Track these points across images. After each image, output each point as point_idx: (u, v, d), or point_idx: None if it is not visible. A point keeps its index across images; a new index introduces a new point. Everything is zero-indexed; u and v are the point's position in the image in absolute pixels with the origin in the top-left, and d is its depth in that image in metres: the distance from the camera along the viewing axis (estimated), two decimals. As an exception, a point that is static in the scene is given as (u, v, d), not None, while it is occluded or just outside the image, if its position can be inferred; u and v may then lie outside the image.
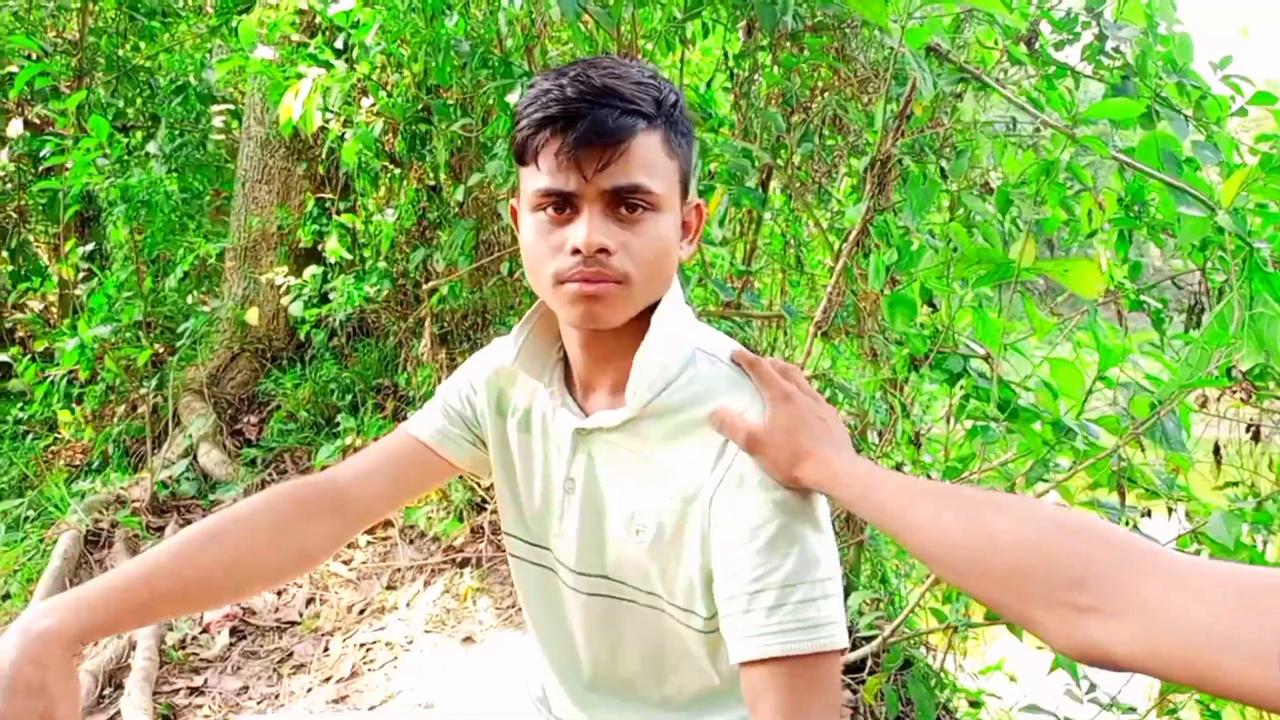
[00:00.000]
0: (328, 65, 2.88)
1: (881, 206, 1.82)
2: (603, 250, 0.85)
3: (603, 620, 1.02)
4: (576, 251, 0.86)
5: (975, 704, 2.57)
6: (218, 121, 5.12)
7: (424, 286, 3.45)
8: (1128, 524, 1.86)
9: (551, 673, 1.12)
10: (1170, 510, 2.00)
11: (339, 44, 3.10)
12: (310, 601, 2.92)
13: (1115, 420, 1.70)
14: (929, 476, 1.94)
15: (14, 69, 4.54)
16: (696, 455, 0.91)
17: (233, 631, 2.71)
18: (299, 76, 2.79)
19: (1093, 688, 2.03)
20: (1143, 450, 1.75)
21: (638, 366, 0.92)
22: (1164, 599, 0.60)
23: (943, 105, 2.09)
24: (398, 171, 3.49)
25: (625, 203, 0.86)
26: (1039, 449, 1.83)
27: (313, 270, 3.60)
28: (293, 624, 2.81)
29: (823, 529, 0.89)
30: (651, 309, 0.93)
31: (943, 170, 1.95)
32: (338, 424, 3.70)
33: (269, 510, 0.99)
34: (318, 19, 3.19)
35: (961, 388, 2.01)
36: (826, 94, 2.72)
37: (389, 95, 3.08)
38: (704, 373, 0.95)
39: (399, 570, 3.05)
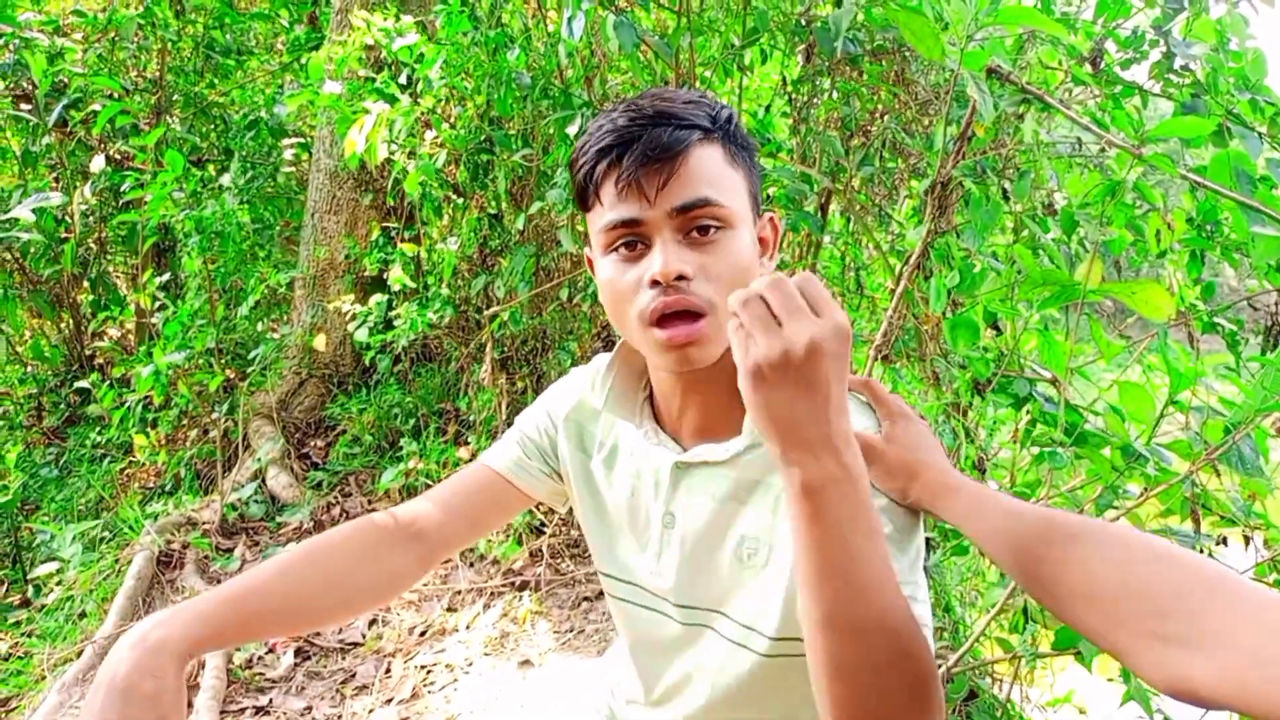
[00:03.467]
0: (393, 99, 2.97)
1: (942, 229, 1.80)
2: (681, 277, 0.82)
3: (693, 649, 0.99)
4: (655, 283, 0.82)
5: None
6: (288, 154, 5.29)
7: (485, 313, 3.50)
8: (1203, 552, 1.80)
9: (637, 691, 1.10)
10: (1247, 539, 1.93)
11: (404, 78, 3.19)
12: (373, 623, 2.96)
13: (1188, 445, 1.65)
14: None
15: (96, 107, 4.75)
16: None
17: (298, 652, 2.76)
18: (365, 111, 2.88)
19: None
20: (1218, 476, 1.69)
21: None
22: (1254, 634, 0.58)
23: (1005, 127, 2.06)
24: (460, 201, 3.56)
25: (696, 224, 0.83)
26: (1108, 475, 1.78)
27: (378, 298, 3.69)
28: (355, 645, 2.85)
29: (909, 547, 0.87)
30: None
31: (1005, 192, 1.92)
32: (400, 447, 3.76)
33: (359, 535, 1.00)
34: (384, 54, 3.29)
35: (1028, 412, 1.97)
36: (886, 117, 2.71)
37: (452, 127, 3.15)
38: None
39: (459, 593, 3.08)
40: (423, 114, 3.03)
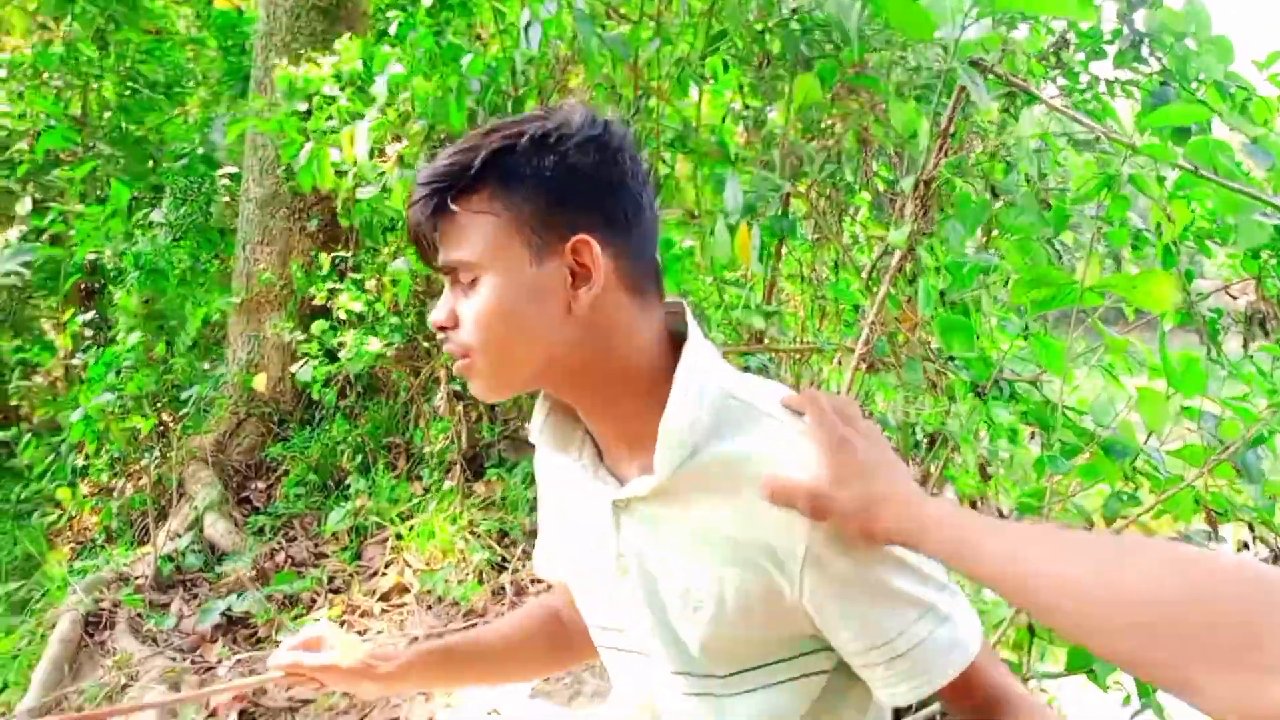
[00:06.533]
0: (355, 117, 2.87)
1: (926, 230, 1.69)
2: (443, 328, 0.86)
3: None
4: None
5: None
6: (222, 184, 5.09)
7: (438, 338, 3.33)
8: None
9: None
10: (1260, 539, 1.86)
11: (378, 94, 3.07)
12: (325, 678, 2.75)
13: (1201, 450, 1.56)
14: (1001, 514, 1.80)
15: (23, 146, 4.52)
16: (761, 516, 0.80)
17: (242, 715, 2.54)
18: (324, 133, 2.76)
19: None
20: (1238, 475, 1.60)
21: (662, 433, 0.82)
22: None
23: (979, 123, 1.98)
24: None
25: (458, 277, 0.85)
26: (1114, 478, 1.69)
27: (320, 324, 3.50)
28: (306, 703, 2.64)
29: (915, 561, 0.82)
30: (667, 357, 0.87)
31: (993, 189, 1.83)
32: (348, 485, 3.56)
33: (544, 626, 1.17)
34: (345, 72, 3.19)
35: (1011, 414, 1.87)
36: (848, 119, 2.62)
37: (405, 144, 3.03)
38: (746, 424, 0.84)
39: (416, 639, 2.88)
40: (390, 127, 2.92)
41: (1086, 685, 1.72)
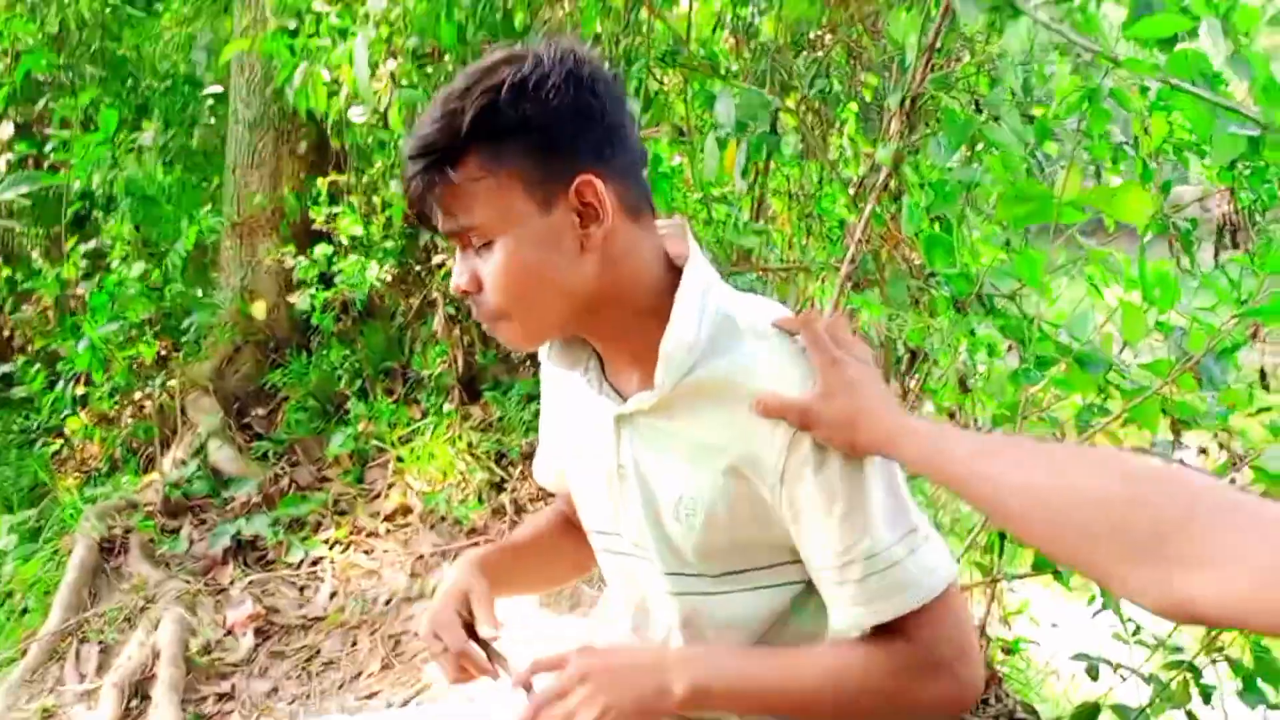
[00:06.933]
0: (344, 35, 2.82)
1: (912, 146, 1.70)
2: (466, 293, 0.89)
3: (698, 619, 0.98)
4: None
5: (1010, 650, 2.51)
6: (207, 107, 5.01)
7: (432, 261, 3.34)
8: (1181, 464, 1.78)
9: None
10: (1221, 446, 1.91)
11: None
12: (334, 595, 2.85)
13: (1168, 363, 1.61)
14: (976, 424, 1.85)
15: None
16: (749, 430, 0.86)
17: (257, 632, 2.65)
18: (314, 51, 2.72)
19: (1138, 629, 1.95)
20: (1199, 384, 1.66)
21: (661, 352, 0.87)
22: (1262, 551, 0.58)
23: (966, 35, 1.96)
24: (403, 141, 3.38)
25: (469, 242, 0.87)
26: (1089, 390, 1.74)
27: (323, 249, 3.50)
28: (318, 620, 2.75)
29: (898, 485, 0.88)
30: (667, 277, 0.91)
31: (977, 105, 1.83)
32: (348, 411, 3.61)
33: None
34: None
35: (988, 328, 1.91)
36: (836, 30, 2.58)
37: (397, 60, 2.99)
38: (741, 343, 0.89)
39: (421, 558, 2.98)
40: (382, 45, 2.87)
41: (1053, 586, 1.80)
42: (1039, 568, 1.90)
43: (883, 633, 0.86)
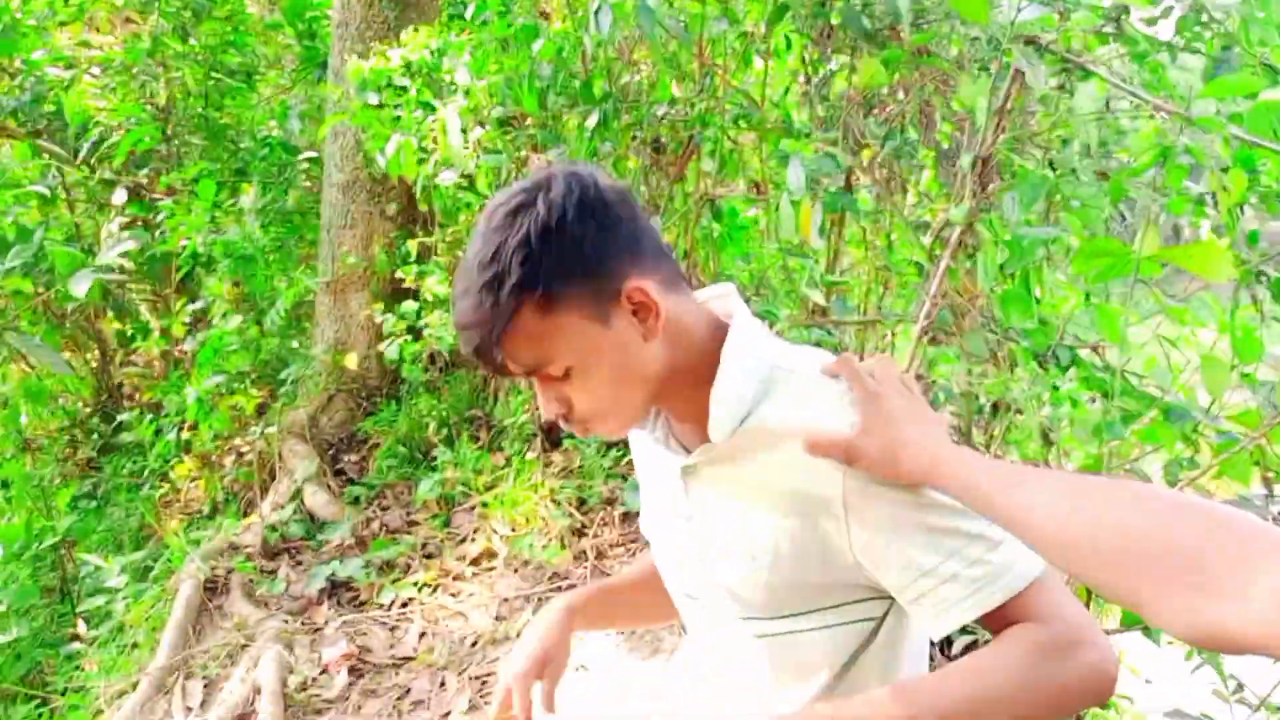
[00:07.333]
0: (429, 107, 2.99)
1: (985, 205, 1.75)
2: (561, 417, 0.94)
3: (780, 661, 1.02)
4: None
5: (1103, 705, 2.46)
6: (302, 169, 5.29)
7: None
8: (1276, 520, 1.76)
9: None
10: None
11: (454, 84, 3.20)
12: (423, 635, 2.95)
13: (1258, 414, 1.61)
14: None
15: (114, 140, 4.76)
16: (805, 469, 0.91)
17: (351, 671, 2.76)
18: (398, 120, 2.90)
19: (1240, 688, 1.91)
20: (1291, 439, 1.65)
21: (712, 406, 0.94)
22: (1274, 576, 0.59)
23: (1047, 98, 2.01)
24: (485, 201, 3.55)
25: (545, 374, 0.92)
26: (1171, 443, 1.74)
27: (409, 304, 3.68)
28: (408, 660, 2.84)
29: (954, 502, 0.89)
30: (717, 337, 0.97)
31: (1051, 163, 1.88)
32: (435, 457, 3.75)
33: None
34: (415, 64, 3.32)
35: (1073, 379, 1.92)
36: (909, 91, 2.65)
37: (483, 127, 3.16)
38: (791, 389, 0.95)
39: (506, 600, 3.06)
40: (470, 114, 3.05)
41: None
42: (1128, 623, 1.89)
43: (1002, 627, 0.86)
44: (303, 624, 3.02)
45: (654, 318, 0.92)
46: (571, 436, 3.74)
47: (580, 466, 3.52)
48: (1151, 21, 2.45)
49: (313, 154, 5.36)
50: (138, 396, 5.15)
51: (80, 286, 2.38)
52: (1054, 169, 1.79)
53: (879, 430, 0.88)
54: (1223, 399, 1.69)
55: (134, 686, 2.78)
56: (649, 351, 0.93)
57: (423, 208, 4.01)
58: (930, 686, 0.89)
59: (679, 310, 0.95)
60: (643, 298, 0.91)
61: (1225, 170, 1.73)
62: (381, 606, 3.10)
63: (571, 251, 0.88)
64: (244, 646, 2.87)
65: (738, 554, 0.97)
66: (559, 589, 3.06)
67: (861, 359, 1.00)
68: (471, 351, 0.91)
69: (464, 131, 3.13)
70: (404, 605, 3.09)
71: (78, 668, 3.09)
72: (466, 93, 3.12)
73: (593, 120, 2.62)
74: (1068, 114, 1.97)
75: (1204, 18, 2.28)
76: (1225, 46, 2.20)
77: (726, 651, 1.07)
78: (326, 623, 3.02)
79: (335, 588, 3.23)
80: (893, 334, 3.01)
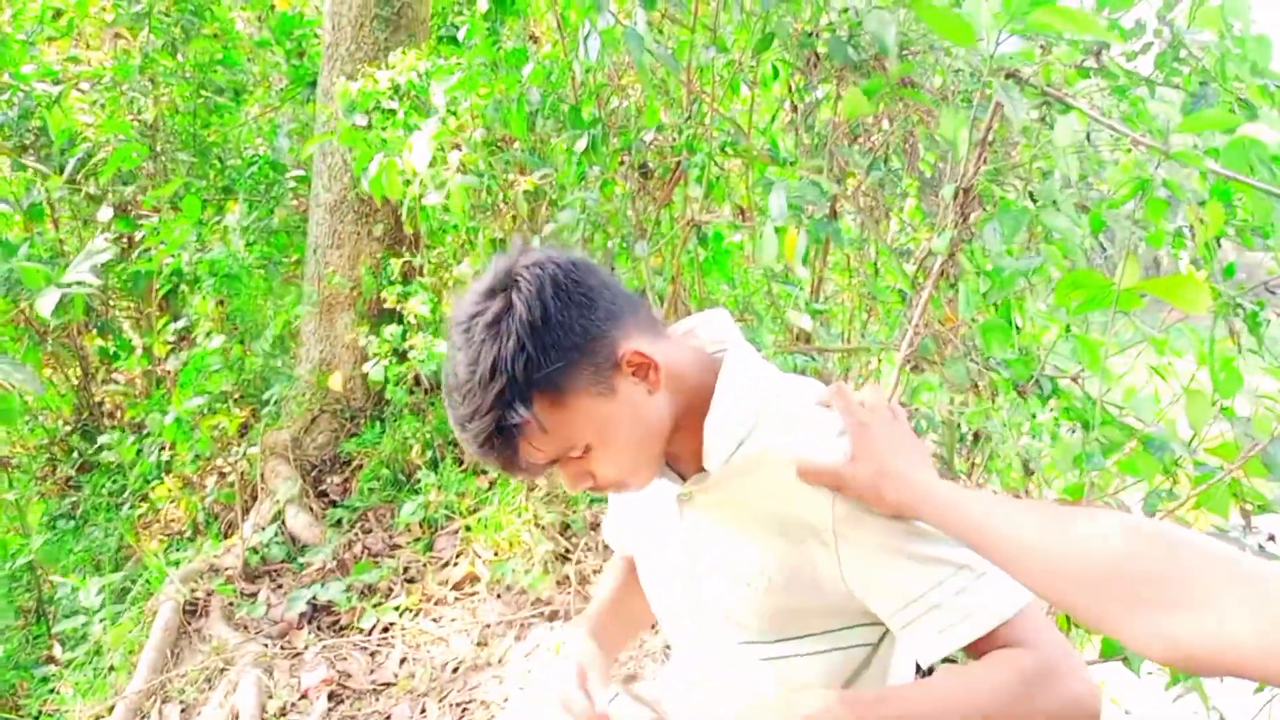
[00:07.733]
0: (413, 128, 3.01)
1: (967, 236, 1.77)
2: (590, 487, 0.98)
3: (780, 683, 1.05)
4: None
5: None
6: (289, 188, 5.29)
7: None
8: (1257, 550, 1.77)
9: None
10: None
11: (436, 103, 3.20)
12: (404, 661, 2.92)
13: (1235, 446, 1.63)
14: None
15: (102, 156, 4.75)
16: (797, 496, 0.94)
17: (330, 696, 2.73)
18: (382, 142, 2.91)
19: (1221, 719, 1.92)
20: (1267, 470, 1.66)
21: (707, 435, 0.97)
22: (1248, 601, 0.62)
23: (1027, 130, 2.04)
24: (471, 225, 3.55)
25: (565, 458, 0.96)
26: (1151, 475, 1.76)
27: (393, 329, 3.67)
28: (388, 685, 2.81)
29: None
30: (709, 369, 1.01)
31: (1031, 195, 1.90)
32: (419, 480, 3.73)
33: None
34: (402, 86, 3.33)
35: (1051, 410, 1.94)
36: (893, 121, 2.68)
37: (468, 150, 3.17)
38: (784, 417, 0.98)
39: (488, 626, 3.04)
40: (450, 135, 3.06)
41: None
42: (1107, 654, 1.89)
43: (989, 650, 0.88)
44: (282, 648, 2.99)
45: (654, 371, 0.95)
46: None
47: (564, 492, 3.51)
48: (1131, 56, 2.50)
49: (300, 173, 5.36)
50: (119, 415, 5.11)
51: (47, 304, 2.33)
52: (1034, 200, 1.81)
53: (864, 460, 0.91)
54: (1203, 431, 1.71)
55: (110, 710, 2.74)
56: (656, 404, 0.97)
57: (409, 229, 4.02)
58: (914, 694, 0.91)
59: (669, 356, 0.98)
60: (640, 359, 0.94)
61: (1202, 204, 1.75)
62: (362, 631, 3.07)
63: (565, 339, 0.90)
64: (223, 670, 2.84)
65: (728, 574, 1.00)
66: (541, 615, 3.04)
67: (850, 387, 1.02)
68: (499, 465, 0.93)
69: (442, 153, 3.13)
70: (385, 630, 3.07)
71: (53, 691, 3.04)
72: (445, 116, 3.13)
73: (581, 144, 2.64)
74: (1048, 146, 2.00)
75: (1182, 53, 2.32)
76: (1203, 82, 2.25)
77: (721, 677, 1.10)
78: (306, 647, 2.99)
79: (316, 611, 3.20)
80: (878, 360, 3.03)
